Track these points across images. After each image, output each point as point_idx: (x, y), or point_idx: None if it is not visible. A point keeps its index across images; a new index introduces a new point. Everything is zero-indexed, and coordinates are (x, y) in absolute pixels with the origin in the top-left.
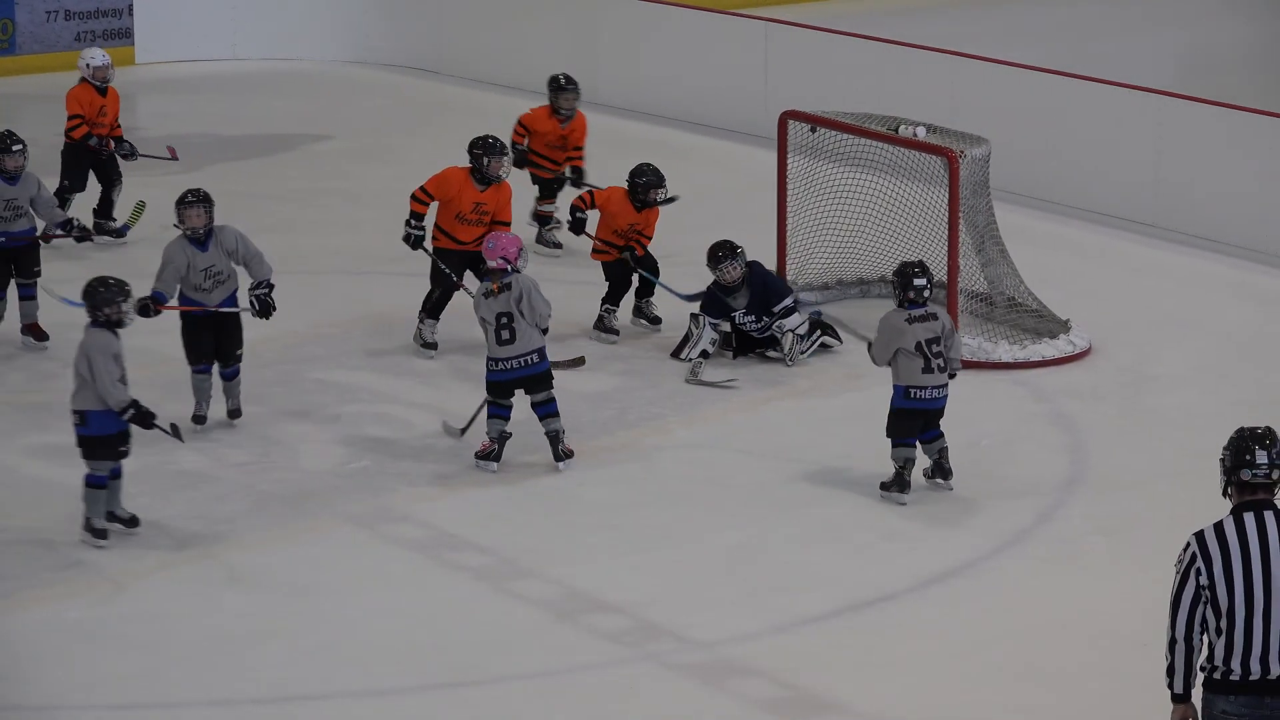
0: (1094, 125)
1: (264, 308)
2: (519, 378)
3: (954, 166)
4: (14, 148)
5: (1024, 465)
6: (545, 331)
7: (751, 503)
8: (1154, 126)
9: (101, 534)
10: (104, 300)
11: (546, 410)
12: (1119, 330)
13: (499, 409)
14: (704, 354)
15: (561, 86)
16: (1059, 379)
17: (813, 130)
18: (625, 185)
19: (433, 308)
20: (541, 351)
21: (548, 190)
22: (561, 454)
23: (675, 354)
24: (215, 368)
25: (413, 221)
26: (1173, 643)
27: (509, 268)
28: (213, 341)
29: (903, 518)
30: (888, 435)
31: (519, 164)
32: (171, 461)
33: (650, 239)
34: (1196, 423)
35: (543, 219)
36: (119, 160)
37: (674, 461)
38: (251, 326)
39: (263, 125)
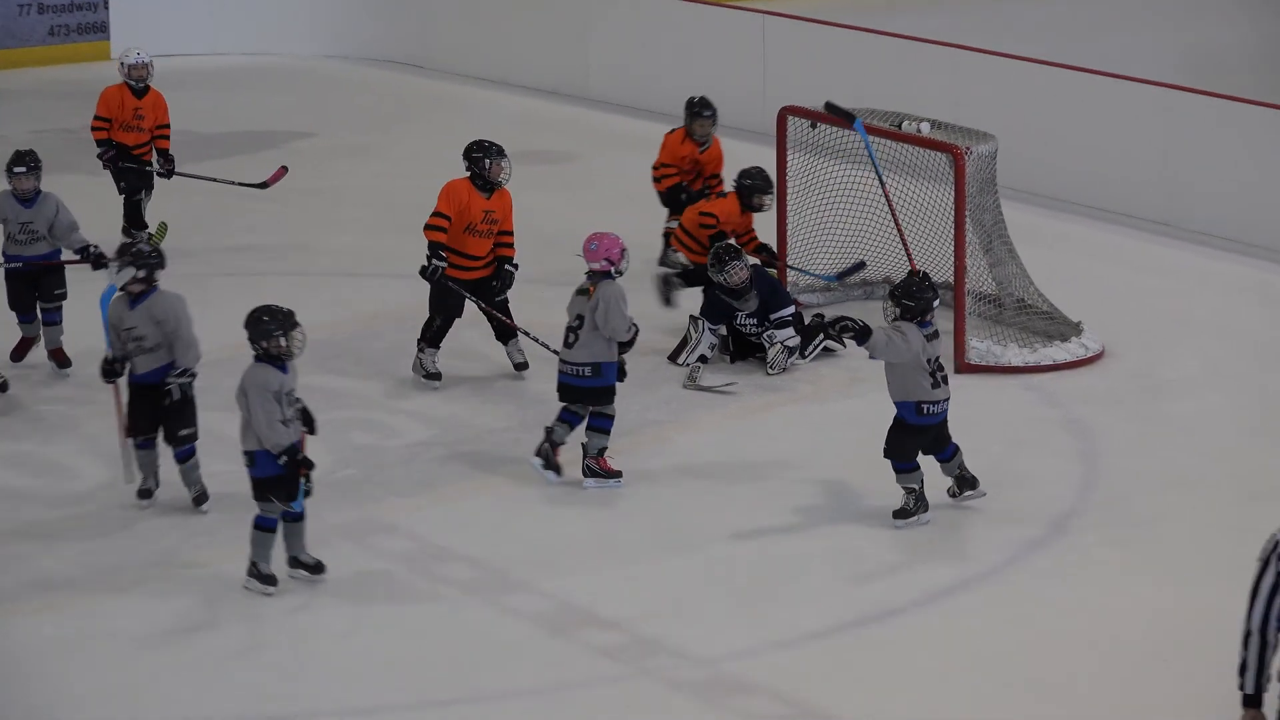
0: (1104, 121)
1: (178, 398)
2: (568, 385)
3: (959, 163)
4: (16, 169)
5: (1035, 472)
6: (624, 346)
7: (752, 513)
8: (1164, 122)
9: (269, 580)
10: (261, 333)
11: (590, 423)
12: (1132, 333)
13: (567, 412)
14: (702, 359)
15: (697, 112)
16: (1071, 383)
17: (813, 126)
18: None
19: (433, 336)
20: (598, 367)
21: (679, 208)
22: (584, 469)
23: (673, 358)
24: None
25: (442, 253)
26: (1247, 635)
27: (611, 270)
28: (150, 413)
29: (909, 528)
30: (890, 457)
31: (688, 199)
32: None
33: (754, 240)
34: (1213, 427)
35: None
36: (154, 175)
37: (671, 470)
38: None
39: (244, 122)
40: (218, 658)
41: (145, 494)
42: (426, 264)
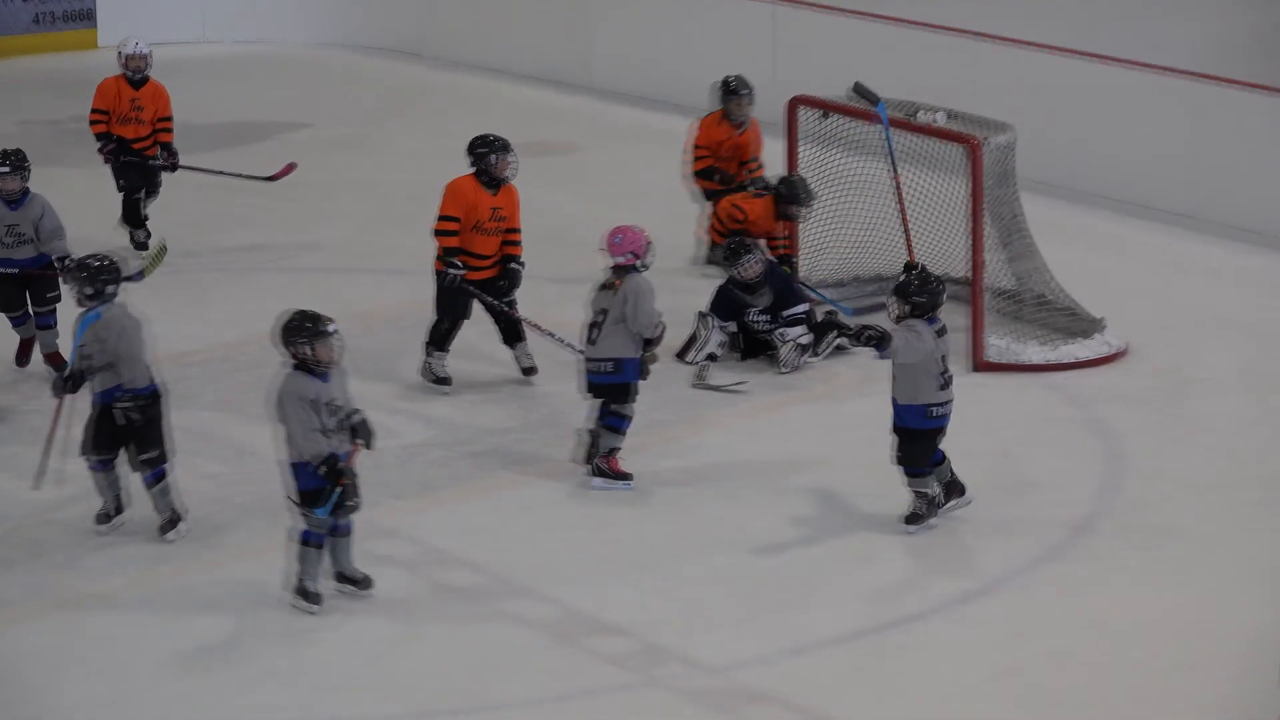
0: (1126, 110)
1: (136, 420)
2: (590, 382)
3: (976, 154)
4: (0, 169)
5: (1056, 474)
6: (650, 343)
7: (762, 516)
8: (1189, 112)
9: (313, 598)
10: (286, 339)
11: (604, 421)
12: (1156, 330)
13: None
14: (711, 357)
15: (732, 90)
16: (1093, 382)
17: (824, 116)
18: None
19: (440, 339)
20: (620, 363)
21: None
22: (592, 469)
23: (680, 356)
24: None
25: (457, 261)
26: None
27: (636, 263)
28: (110, 434)
29: (926, 532)
30: (904, 463)
31: (721, 181)
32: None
33: (786, 246)
34: (1239, 428)
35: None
36: (158, 171)
37: (679, 471)
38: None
39: (235, 113)
40: (211, 667)
41: (104, 518)
42: (442, 272)
